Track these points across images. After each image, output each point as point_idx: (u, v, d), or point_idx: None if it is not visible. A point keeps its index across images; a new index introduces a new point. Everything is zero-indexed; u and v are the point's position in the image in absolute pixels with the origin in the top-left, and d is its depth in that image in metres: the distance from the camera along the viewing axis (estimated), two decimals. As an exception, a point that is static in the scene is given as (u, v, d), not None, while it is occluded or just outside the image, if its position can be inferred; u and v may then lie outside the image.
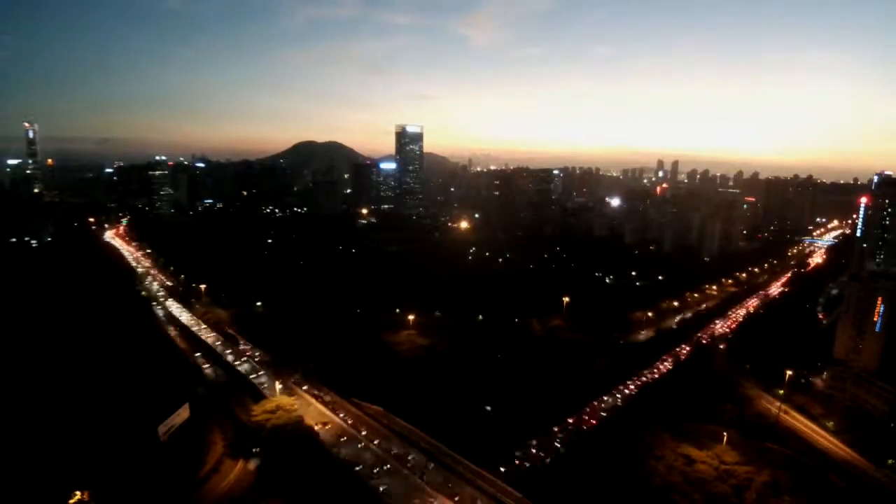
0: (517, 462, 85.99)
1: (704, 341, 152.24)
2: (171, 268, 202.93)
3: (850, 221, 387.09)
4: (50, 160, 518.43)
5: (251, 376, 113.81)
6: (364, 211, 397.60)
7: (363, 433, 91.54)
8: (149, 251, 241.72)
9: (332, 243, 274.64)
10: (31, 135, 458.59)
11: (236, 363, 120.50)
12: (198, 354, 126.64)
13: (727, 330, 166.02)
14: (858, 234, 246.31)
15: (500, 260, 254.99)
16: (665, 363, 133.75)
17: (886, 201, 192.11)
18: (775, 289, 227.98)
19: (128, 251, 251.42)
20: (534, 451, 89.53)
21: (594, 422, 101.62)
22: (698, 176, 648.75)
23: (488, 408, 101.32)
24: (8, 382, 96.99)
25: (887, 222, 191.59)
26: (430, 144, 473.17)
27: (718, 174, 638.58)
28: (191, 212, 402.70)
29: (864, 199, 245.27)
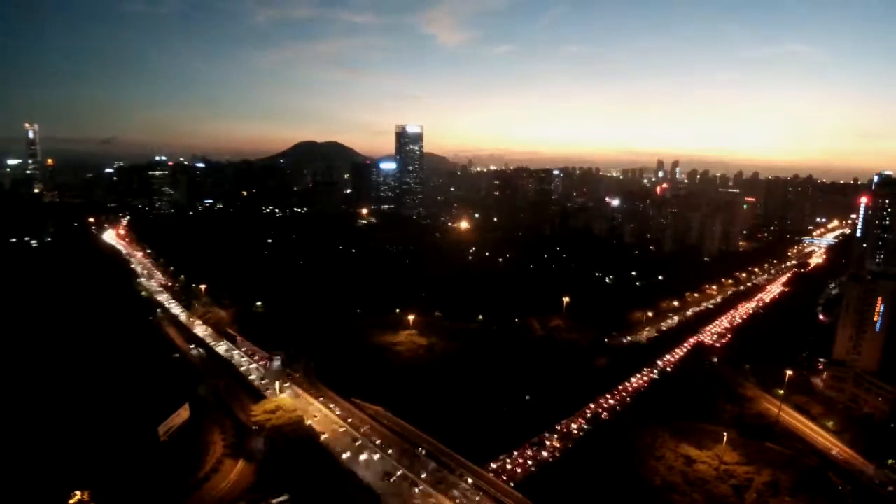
0: (517, 462, 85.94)
1: (704, 341, 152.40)
2: (171, 268, 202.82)
3: (850, 221, 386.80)
4: (50, 160, 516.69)
5: (251, 376, 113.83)
6: (364, 211, 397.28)
7: (363, 433, 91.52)
8: (149, 251, 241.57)
9: (332, 243, 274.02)
10: (31, 135, 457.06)
11: (236, 363, 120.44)
12: (197, 353, 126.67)
13: (727, 330, 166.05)
14: (858, 234, 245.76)
15: (500, 260, 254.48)
16: (665, 363, 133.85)
17: (886, 201, 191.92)
18: (775, 288, 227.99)
19: (128, 251, 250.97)
20: (534, 450, 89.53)
21: (594, 422, 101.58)
22: (698, 176, 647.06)
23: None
24: (8, 382, 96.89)
25: (887, 222, 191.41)
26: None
27: (718, 174, 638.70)
28: (191, 212, 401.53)
29: (864, 199, 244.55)
